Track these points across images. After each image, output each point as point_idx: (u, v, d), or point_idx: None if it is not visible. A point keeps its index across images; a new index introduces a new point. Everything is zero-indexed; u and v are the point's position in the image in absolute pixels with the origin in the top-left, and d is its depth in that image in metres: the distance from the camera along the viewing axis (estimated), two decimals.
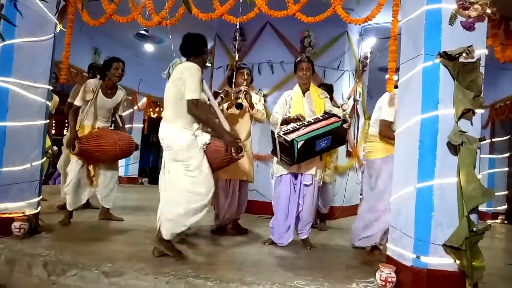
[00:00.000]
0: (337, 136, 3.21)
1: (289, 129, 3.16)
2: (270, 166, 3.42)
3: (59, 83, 4.73)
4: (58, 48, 3.51)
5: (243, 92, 3.57)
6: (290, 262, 2.90)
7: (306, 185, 3.35)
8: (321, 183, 3.54)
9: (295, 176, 3.36)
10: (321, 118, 3.25)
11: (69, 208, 3.65)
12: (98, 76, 3.86)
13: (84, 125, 3.77)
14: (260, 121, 3.89)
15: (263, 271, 2.62)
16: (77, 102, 3.70)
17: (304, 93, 3.50)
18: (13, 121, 3.13)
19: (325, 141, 3.17)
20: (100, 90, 3.77)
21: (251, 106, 3.69)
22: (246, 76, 3.78)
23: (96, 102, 3.76)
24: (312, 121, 3.23)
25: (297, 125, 3.20)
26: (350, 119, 3.27)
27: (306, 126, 3.17)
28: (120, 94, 3.97)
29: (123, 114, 4.20)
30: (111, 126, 4.17)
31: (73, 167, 3.69)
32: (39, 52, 3.30)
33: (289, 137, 3.04)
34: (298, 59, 3.53)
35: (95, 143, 3.61)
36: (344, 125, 3.22)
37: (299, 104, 3.47)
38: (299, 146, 3.02)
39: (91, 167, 3.79)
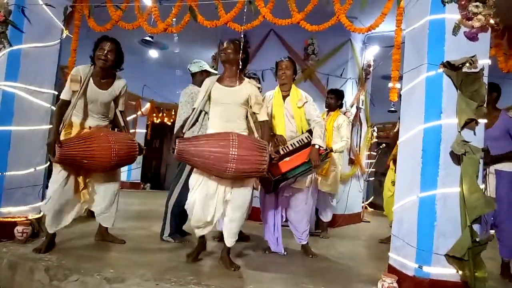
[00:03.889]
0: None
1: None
2: None
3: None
4: (64, 54, 3.55)
5: None
6: (291, 270, 2.89)
7: (286, 197, 3.32)
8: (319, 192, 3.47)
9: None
10: (305, 141, 3.15)
11: (49, 230, 2.86)
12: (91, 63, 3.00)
13: (72, 123, 2.93)
14: None
15: (264, 279, 2.62)
16: (64, 94, 2.85)
17: (284, 99, 3.31)
18: (18, 125, 3.16)
19: (305, 173, 3.14)
20: (91, 79, 2.93)
21: None
22: None
23: (86, 94, 2.92)
24: (297, 145, 3.13)
25: (281, 149, 3.09)
26: (329, 151, 3.24)
27: (290, 153, 3.10)
28: (118, 84, 3.06)
29: (126, 116, 3.35)
30: (113, 128, 3.44)
31: (55, 179, 2.84)
32: (46, 58, 3.35)
33: (274, 177, 2.98)
34: (278, 60, 3.36)
35: (83, 148, 2.77)
36: (326, 160, 3.17)
37: (279, 114, 3.28)
38: (281, 185, 3.05)
39: (80, 178, 2.95)
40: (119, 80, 3.09)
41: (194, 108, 2.85)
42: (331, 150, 3.20)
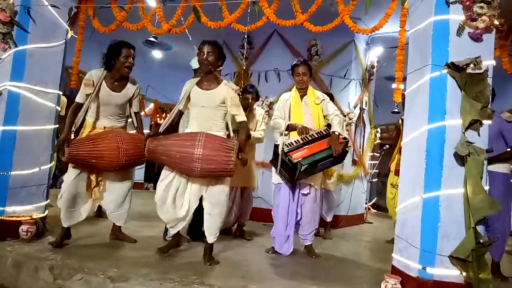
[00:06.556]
0: (337, 156, 3.15)
1: (292, 145, 3.09)
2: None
3: (68, 88, 4.31)
4: (69, 54, 3.57)
5: None
6: (294, 271, 2.89)
7: (304, 194, 3.33)
8: (323, 190, 3.49)
9: (294, 184, 3.32)
10: (324, 133, 3.20)
11: (63, 224, 2.99)
12: (103, 66, 3.08)
13: (86, 123, 3.08)
14: (258, 142, 3.92)
15: (267, 279, 2.62)
16: (78, 98, 3.01)
17: (302, 97, 3.43)
18: (23, 125, 3.18)
19: (327, 163, 3.18)
20: (104, 82, 3.03)
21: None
22: (251, 101, 3.85)
23: (98, 97, 3.03)
24: (316, 136, 3.17)
25: (301, 139, 3.14)
26: (348, 141, 3.27)
27: (309, 142, 3.13)
28: (132, 87, 3.17)
29: (139, 113, 3.39)
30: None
31: (68, 176, 2.99)
32: (51, 58, 3.37)
33: (294, 160, 2.98)
34: (294, 63, 3.44)
35: (90, 148, 2.87)
36: (346, 148, 3.20)
37: (298, 111, 3.39)
38: (302, 169, 3.00)
39: (93, 176, 3.08)
40: (131, 83, 3.19)
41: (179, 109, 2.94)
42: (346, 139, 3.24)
